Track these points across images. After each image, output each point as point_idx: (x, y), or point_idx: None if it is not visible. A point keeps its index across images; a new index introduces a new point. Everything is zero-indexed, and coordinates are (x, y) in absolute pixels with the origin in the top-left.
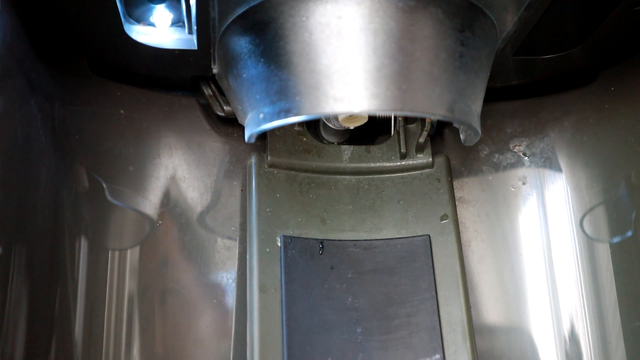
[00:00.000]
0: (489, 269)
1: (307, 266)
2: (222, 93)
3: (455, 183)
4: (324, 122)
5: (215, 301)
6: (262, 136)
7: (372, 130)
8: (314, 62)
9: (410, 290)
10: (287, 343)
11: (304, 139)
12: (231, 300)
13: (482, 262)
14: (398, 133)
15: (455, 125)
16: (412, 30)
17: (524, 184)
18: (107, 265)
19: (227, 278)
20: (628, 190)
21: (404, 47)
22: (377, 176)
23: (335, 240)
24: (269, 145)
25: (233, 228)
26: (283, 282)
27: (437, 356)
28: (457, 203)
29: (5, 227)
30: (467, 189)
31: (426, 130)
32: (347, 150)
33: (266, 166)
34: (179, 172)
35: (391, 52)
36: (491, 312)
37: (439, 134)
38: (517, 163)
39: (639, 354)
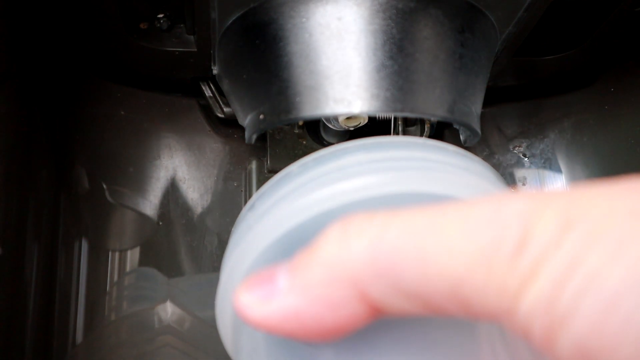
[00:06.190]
0: None
1: None
2: (222, 94)
3: None
4: (324, 123)
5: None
6: (263, 137)
7: (372, 132)
8: (314, 63)
9: None
10: None
11: (304, 142)
12: None
13: None
14: (398, 134)
15: (455, 126)
16: (412, 32)
17: (524, 184)
18: (107, 266)
19: None
20: None
21: (403, 48)
22: None
23: None
24: (269, 150)
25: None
26: None
27: None
28: None
29: (5, 228)
30: None
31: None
32: None
33: (266, 171)
34: (179, 173)
35: (391, 53)
36: None
37: (439, 135)
38: (517, 164)
39: None
